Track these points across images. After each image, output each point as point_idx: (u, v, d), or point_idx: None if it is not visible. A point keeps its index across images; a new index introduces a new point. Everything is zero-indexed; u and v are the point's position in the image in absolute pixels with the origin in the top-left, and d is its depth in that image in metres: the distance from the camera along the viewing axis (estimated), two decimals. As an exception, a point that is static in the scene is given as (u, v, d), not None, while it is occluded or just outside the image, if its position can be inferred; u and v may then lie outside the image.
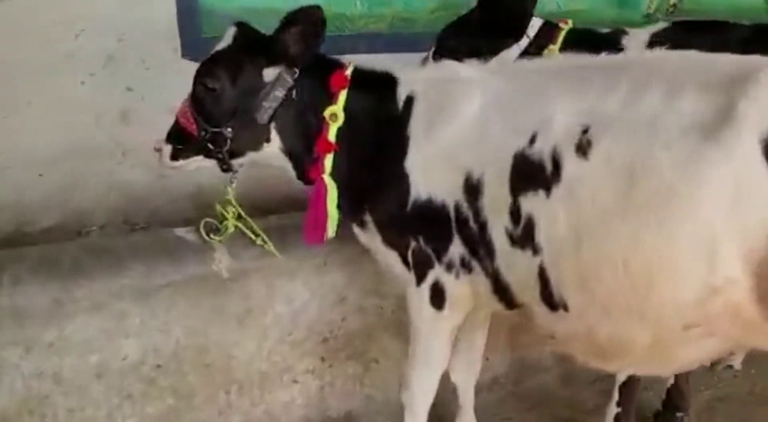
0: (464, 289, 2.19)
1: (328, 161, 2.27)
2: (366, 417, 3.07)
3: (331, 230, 2.32)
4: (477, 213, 2.05)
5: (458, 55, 2.53)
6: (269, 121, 2.26)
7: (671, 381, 2.93)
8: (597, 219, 1.78)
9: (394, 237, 2.26)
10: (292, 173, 2.40)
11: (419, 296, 2.26)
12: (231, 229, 2.60)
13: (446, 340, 2.35)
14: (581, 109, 1.86)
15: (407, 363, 2.40)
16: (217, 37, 3.45)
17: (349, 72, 2.28)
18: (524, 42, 2.74)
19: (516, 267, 2.01)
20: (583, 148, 1.81)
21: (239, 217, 2.63)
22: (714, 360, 2.07)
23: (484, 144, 2.04)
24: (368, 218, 2.31)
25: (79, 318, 2.44)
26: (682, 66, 1.87)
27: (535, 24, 2.82)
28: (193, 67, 2.86)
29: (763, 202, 1.60)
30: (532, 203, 1.91)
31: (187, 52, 3.49)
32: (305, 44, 2.19)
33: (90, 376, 2.51)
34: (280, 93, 2.23)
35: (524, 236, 1.94)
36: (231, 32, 2.33)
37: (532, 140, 1.92)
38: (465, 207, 2.08)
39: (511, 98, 2.06)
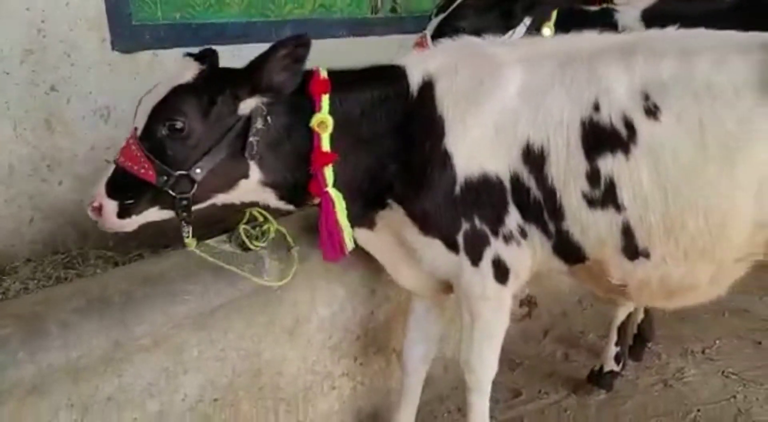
0: (527, 255, 2.24)
1: (329, 173, 2.14)
2: (388, 411, 3.03)
3: (348, 243, 2.23)
4: (542, 180, 2.11)
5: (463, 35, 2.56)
6: (255, 158, 2.09)
7: (641, 316, 3.41)
8: (679, 174, 2.00)
9: (442, 223, 2.20)
10: (275, 204, 2.25)
11: (479, 276, 2.24)
12: (272, 234, 2.38)
13: (507, 312, 2.37)
14: (634, 78, 2.04)
15: (466, 349, 2.38)
16: (149, 24, 3.14)
17: (324, 74, 2.16)
18: (528, 20, 2.89)
19: (595, 226, 2.11)
20: (652, 112, 2.01)
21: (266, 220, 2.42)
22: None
23: (542, 113, 2.09)
24: (387, 213, 2.25)
25: (137, 359, 2.05)
26: (716, 38, 2.16)
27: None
28: (125, 61, 2.56)
29: None
30: (611, 165, 2.04)
31: (118, 42, 3.04)
32: (291, 71, 2.04)
33: (151, 427, 2.12)
34: (260, 124, 2.07)
35: (605, 197, 2.06)
36: (189, 65, 2.08)
37: (597, 107, 2.05)
38: (525, 176, 2.11)
39: (559, 72, 2.12)
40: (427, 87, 2.16)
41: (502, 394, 3.26)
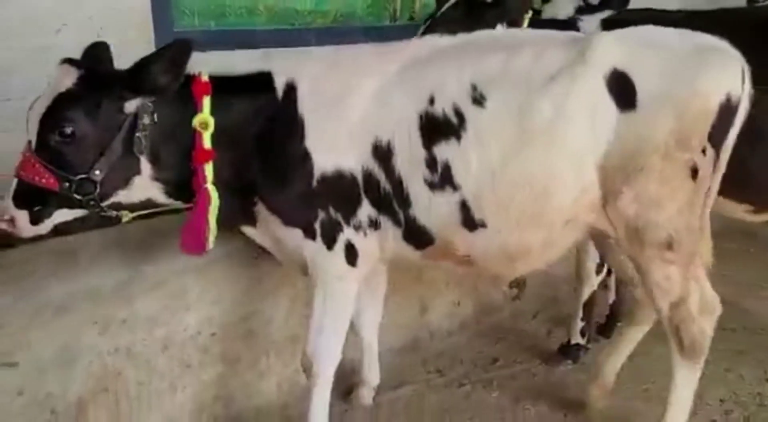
0: (372, 245, 2.46)
1: (208, 170, 2.28)
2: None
3: (211, 241, 2.34)
4: (390, 173, 2.34)
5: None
6: (144, 153, 2.23)
7: (613, 298, 3.73)
8: (503, 154, 2.26)
9: (300, 214, 2.39)
10: (163, 200, 2.38)
11: (332, 259, 2.44)
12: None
13: (353, 299, 2.57)
14: (465, 73, 2.29)
15: (314, 337, 2.52)
16: (188, 30, 3.72)
17: (206, 78, 2.31)
18: (501, 28, 3.27)
19: (437, 207, 2.35)
20: (478, 100, 2.27)
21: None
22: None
23: (388, 113, 2.32)
24: (261, 209, 2.43)
25: (147, 294, 2.60)
26: (539, 36, 2.47)
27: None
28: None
29: (607, 123, 2.21)
30: (446, 151, 2.29)
31: (160, 43, 3.62)
32: (172, 73, 2.16)
33: (157, 349, 2.67)
34: (147, 120, 2.20)
35: (443, 179, 2.31)
36: (68, 71, 2.18)
37: (431, 101, 2.30)
38: (375, 170, 2.34)
39: (402, 73, 2.35)
40: (290, 90, 2.35)
41: (480, 361, 3.66)
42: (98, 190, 2.18)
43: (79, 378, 2.47)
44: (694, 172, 2.29)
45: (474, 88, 2.29)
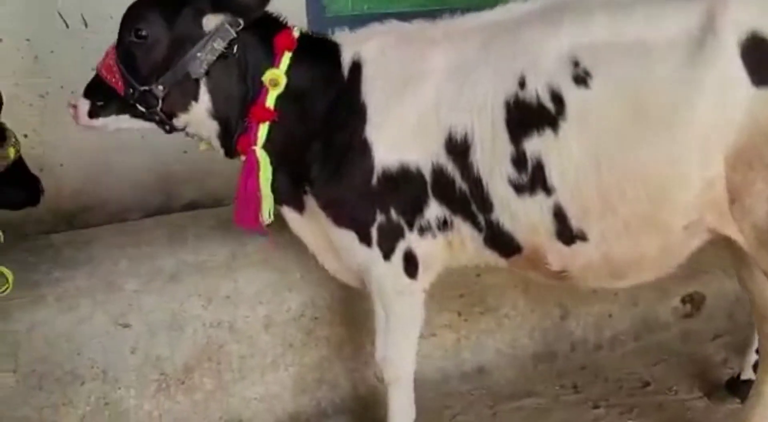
0: (438, 249, 2.16)
1: (263, 131, 2.08)
2: (498, 370, 3.24)
3: (266, 212, 2.12)
4: (467, 170, 2.01)
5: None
6: (201, 76, 2.05)
7: None
8: (613, 141, 1.87)
9: (355, 215, 2.14)
10: (216, 145, 2.20)
11: (391, 271, 2.18)
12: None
13: (421, 307, 2.30)
14: (562, 44, 1.91)
15: (382, 345, 2.32)
16: (341, 15, 3.76)
17: (296, 34, 2.14)
18: None
19: (525, 214, 2.00)
20: (581, 78, 1.88)
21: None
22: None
23: (466, 98, 1.98)
24: (311, 199, 2.19)
25: (249, 271, 2.69)
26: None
27: None
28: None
29: (740, 101, 1.77)
30: (539, 145, 1.93)
31: (313, 30, 3.72)
32: None
33: (259, 327, 2.76)
34: (219, 45, 2.02)
35: (533, 181, 1.95)
36: None
37: (522, 84, 1.93)
38: (449, 168, 2.02)
39: (484, 48, 2.01)
40: (356, 70, 2.12)
41: (627, 383, 3.21)
42: (161, 106, 2.07)
43: (186, 345, 2.66)
44: None
45: (576, 63, 1.91)
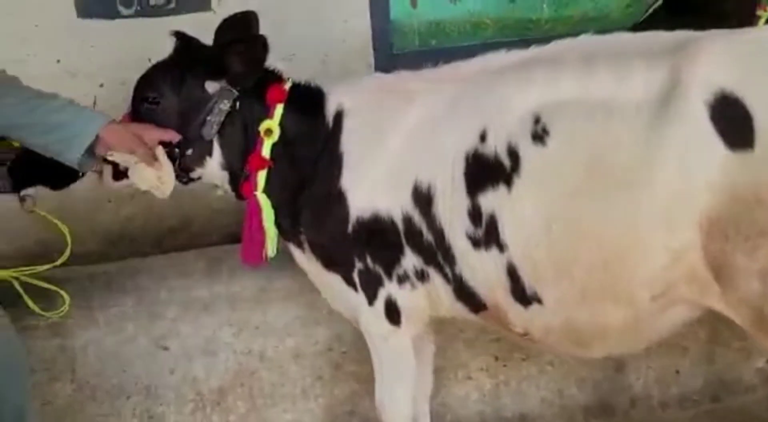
0: (420, 300, 2.15)
1: (261, 178, 2.19)
2: (541, 418, 3.10)
3: (270, 249, 2.23)
4: (431, 222, 2.01)
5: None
6: (214, 137, 2.20)
7: None
8: (566, 203, 1.78)
9: (337, 260, 2.20)
10: (231, 193, 2.34)
11: (374, 315, 2.19)
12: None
13: (410, 353, 2.27)
14: (529, 100, 1.85)
15: (378, 388, 2.33)
16: (407, 52, 3.81)
17: (287, 86, 2.22)
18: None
19: (482, 269, 1.96)
20: (539, 136, 1.81)
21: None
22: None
23: (431, 150, 2.00)
24: (305, 241, 2.27)
25: (278, 305, 2.84)
26: (621, 45, 1.87)
27: None
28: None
29: (709, 163, 1.62)
30: (492, 200, 1.89)
31: (380, 66, 3.80)
32: (248, 67, 2.14)
33: (288, 357, 2.89)
34: (224, 106, 2.17)
35: (488, 236, 1.91)
36: (171, 43, 2.24)
37: (483, 137, 1.90)
38: (416, 218, 2.03)
39: (454, 101, 2.01)
40: (338, 120, 2.19)
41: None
42: (179, 163, 2.22)
43: (220, 369, 2.85)
44: None
45: (537, 120, 1.85)
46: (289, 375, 2.91)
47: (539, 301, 1.91)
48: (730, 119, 1.60)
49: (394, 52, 3.80)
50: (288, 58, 3.72)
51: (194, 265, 2.89)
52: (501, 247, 1.91)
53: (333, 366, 2.94)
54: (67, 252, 2.51)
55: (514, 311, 1.98)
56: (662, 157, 1.67)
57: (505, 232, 1.89)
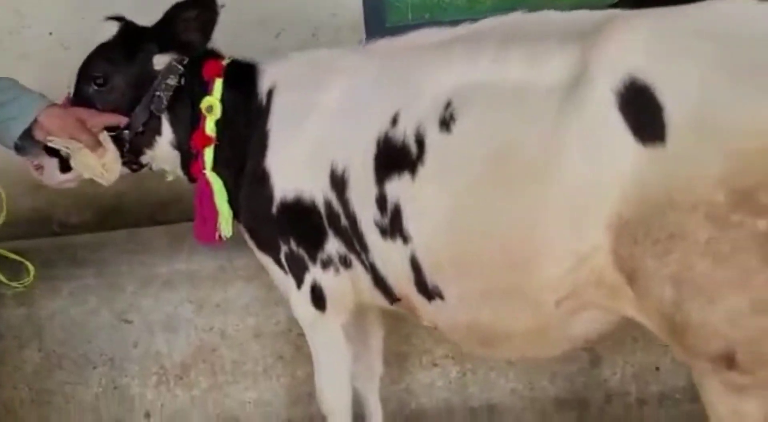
0: (344, 286, 2.08)
1: (209, 156, 2.14)
2: (510, 410, 3.01)
3: (224, 229, 2.18)
4: (346, 207, 1.95)
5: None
6: (163, 112, 2.15)
7: None
8: (468, 196, 1.68)
9: (266, 242, 2.16)
10: (181, 174, 2.29)
11: (302, 299, 2.14)
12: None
13: (340, 339, 2.20)
14: (443, 83, 1.74)
15: (315, 376, 2.30)
16: (400, 26, 3.68)
17: (225, 61, 2.18)
18: None
19: (389, 259, 1.89)
20: (446, 122, 1.70)
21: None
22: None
23: (348, 132, 1.92)
24: None
25: (238, 284, 2.82)
26: (547, 24, 1.72)
27: None
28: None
29: (619, 159, 1.47)
30: (397, 189, 1.80)
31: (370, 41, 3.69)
32: (200, 31, 2.10)
33: (249, 336, 2.88)
34: (172, 81, 2.12)
35: (393, 225, 1.83)
36: (111, 26, 2.19)
37: (395, 121, 1.80)
38: (335, 202, 1.96)
39: (375, 80, 1.92)
40: (270, 97, 2.12)
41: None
42: (128, 146, 2.17)
43: (182, 345, 2.88)
44: None
45: (448, 104, 1.74)
46: (250, 353, 2.91)
47: (441, 297, 1.83)
48: (640, 110, 1.44)
49: (387, 26, 3.66)
50: (276, 34, 3.69)
51: (158, 241, 2.91)
52: (405, 238, 1.83)
53: (294, 346, 2.91)
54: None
55: (419, 304, 1.91)
56: (568, 151, 1.53)
57: (409, 223, 1.81)
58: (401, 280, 1.91)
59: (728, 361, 1.45)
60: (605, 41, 1.51)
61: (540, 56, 1.62)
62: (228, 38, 3.47)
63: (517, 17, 1.82)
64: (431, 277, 1.82)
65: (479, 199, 1.67)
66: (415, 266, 1.84)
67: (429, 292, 1.86)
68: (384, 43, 2.12)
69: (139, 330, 2.86)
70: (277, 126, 2.09)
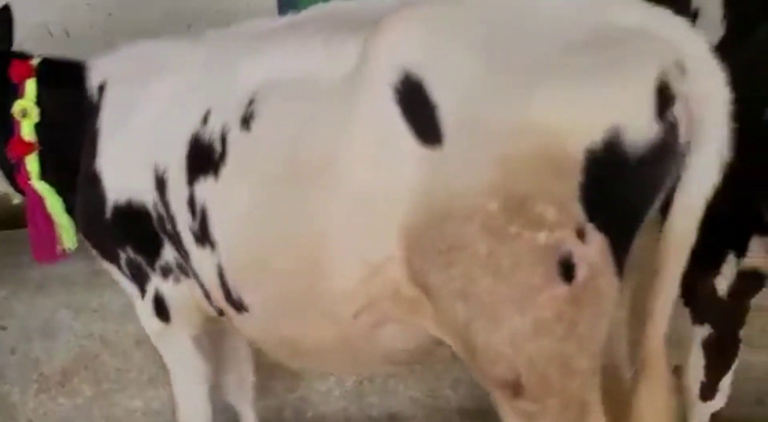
0: (186, 295, 1.92)
1: (32, 164, 1.98)
2: (413, 419, 2.86)
3: (67, 240, 2.05)
4: (167, 210, 1.80)
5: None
6: None
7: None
8: (263, 199, 1.55)
9: (104, 250, 2.00)
10: (6, 189, 2.15)
11: (147, 310, 2.00)
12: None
13: (191, 351, 2.03)
14: (251, 78, 1.60)
15: (173, 387, 2.14)
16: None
17: (34, 62, 2.03)
18: None
19: (201, 266, 1.76)
20: (246, 120, 1.57)
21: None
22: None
23: (168, 130, 1.78)
24: None
25: (113, 288, 2.68)
26: (365, 12, 1.51)
27: None
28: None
29: (403, 162, 1.31)
30: (204, 191, 1.67)
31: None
32: None
33: (131, 343, 2.75)
34: None
35: (201, 230, 1.69)
36: None
37: (205, 119, 1.67)
38: (160, 205, 1.82)
39: (198, 74, 1.77)
40: (101, 94, 1.98)
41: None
42: None
43: (61, 352, 2.74)
44: (567, 268, 1.17)
45: (251, 100, 1.59)
46: (134, 360, 2.77)
47: (245, 308, 1.70)
48: (416, 108, 1.29)
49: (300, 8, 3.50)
50: (190, 24, 3.53)
51: (21, 244, 2.76)
52: (212, 244, 1.70)
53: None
54: None
55: (232, 315, 1.77)
56: (352, 153, 1.38)
57: (214, 228, 1.67)
58: (214, 290, 1.78)
59: (514, 387, 1.29)
60: (381, 31, 1.35)
61: (338, 47, 1.47)
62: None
63: (339, 5, 1.66)
64: (234, 285, 1.69)
65: (272, 203, 1.54)
66: (222, 275, 1.71)
67: (234, 303, 1.72)
68: (217, 33, 1.94)
69: (15, 336, 2.73)
70: (107, 124, 1.95)
